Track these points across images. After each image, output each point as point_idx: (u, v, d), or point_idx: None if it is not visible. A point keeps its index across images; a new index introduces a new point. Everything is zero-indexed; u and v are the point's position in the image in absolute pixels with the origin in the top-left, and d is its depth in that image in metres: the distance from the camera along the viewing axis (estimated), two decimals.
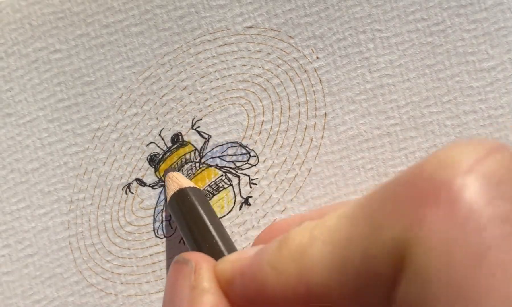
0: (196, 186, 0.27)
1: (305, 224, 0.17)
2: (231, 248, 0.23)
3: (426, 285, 0.13)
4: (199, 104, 0.28)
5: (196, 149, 0.28)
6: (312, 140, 0.28)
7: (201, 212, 0.25)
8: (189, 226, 0.25)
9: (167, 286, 0.19)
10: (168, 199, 0.27)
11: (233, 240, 0.28)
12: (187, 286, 0.18)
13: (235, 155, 0.28)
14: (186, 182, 0.27)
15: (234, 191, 0.28)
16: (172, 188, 0.26)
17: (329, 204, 0.28)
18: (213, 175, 0.28)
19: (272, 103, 0.28)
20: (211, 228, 0.24)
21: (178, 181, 0.27)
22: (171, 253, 0.28)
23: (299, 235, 0.16)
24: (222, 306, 0.18)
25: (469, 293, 0.12)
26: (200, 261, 0.19)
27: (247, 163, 0.28)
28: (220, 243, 0.23)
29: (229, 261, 0.18)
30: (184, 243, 0.28)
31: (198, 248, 0.24)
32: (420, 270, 0.13)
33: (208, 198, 0.28)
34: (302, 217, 0.21)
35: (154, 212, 0.28)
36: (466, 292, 0.12)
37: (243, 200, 0.28)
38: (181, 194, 0.26)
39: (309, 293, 0.15)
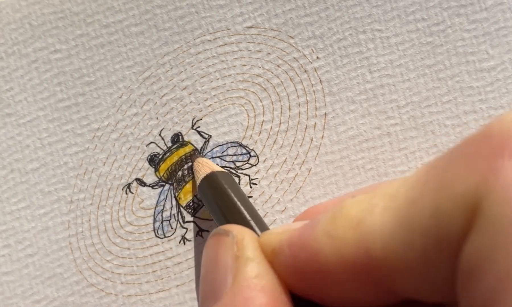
0: (223, 170, 0.27)
1: (359, 196, 0.16)
2: (265, 228, 0.22)
3: (500, 233, 0.12)
4: (199, 104, 0.28)
5: (196, 149, 0.28)
6: (312, 140, 0.28)
7: (232, 195, 0.24)
8: (221, 209, 0.24)
9: (206, 259, 0.19)
10: (197, 183, 0.26)
11: None
12: (230, 256, 0.18)
13: (235, 155, 0.28)
14: (214, 167, 0.26)
15: None
16: (202, 173, 0.26)
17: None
18: None
19: (272, 103, 0.28)
20: (244, 210, 0.23)
21: (207, 165, 0.26)
22: (171, 253, 0.28)
23: (355, 204, 0.16)
24: (268, 275, 0.17)
25: None
26: (242, 232, 0.18)
27: (247, 163, 0.28)
28: (253, 224, 0.22)
29: (275, 233, 0.18)
30: (184, 243, 0.28)
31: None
32: (494, 219, 0.13)
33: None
34: (345, 198, 0.20)
35: (154, 212, 0.28)
36: None
37: None
38: (211, 178, 0.25)
39: (369, 259, 0.15)
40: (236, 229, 0.19)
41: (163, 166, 0.28)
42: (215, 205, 0.24)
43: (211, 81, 0.28)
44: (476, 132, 0.14)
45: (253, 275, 0.17)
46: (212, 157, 0.28)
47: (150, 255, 0.28)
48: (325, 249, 0.16)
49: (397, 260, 0.14)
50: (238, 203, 0.24)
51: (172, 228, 0.28)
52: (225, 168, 0.28)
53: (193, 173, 0.28)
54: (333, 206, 0.17)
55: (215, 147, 0.28)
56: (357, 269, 0.15)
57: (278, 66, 0.28)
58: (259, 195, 0.28)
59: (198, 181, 0.26)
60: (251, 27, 0.28)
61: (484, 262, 0.13)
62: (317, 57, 0.28)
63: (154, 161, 0.28)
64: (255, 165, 0.28)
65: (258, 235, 0.19)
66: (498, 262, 0.12)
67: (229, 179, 0.25)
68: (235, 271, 0.17)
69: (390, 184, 0.16)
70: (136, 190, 0.28)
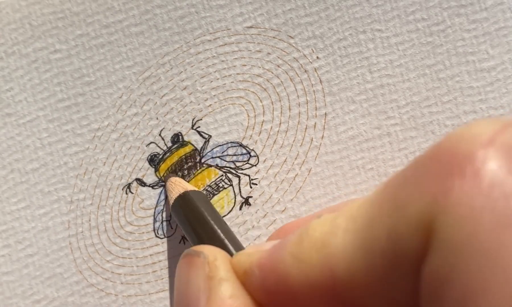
0: (197, 189, 0.27)
1: (324, 216, 0.17)
2: (240, 248, 0.23)
3: (456, 253, 0.13)
4: (199, 104, 0.28)
5: (196, 149, 0.28)
6: (312, 140, 0.28)
7: (205, 214, 0.24)
8: (195, 229, 0.24)
9: (178, 281, 0.19)
10: (171, 204, 0.27)
11: None
12: (201, 277, 0.18)
13: (235, 155, 0.28)
14: (187, 186, 0.27)
15: (234, 191, 0.28)
16: (174, 193, 0.26)
17: (332, 204, 0.28)
18: (213, 175, 0.28)
19: (272, 103, 0.28)
20: (217, 230, 0.24)
21: (180, 185, 0.27)
22: (171, 253, 0.28)
23: (319, 226, 0.16)
24: (242, 296, 0.17)
25: (499, 256, 0.12)
26: (214, 252, 0.19)
27: (247, 163, 0.28)
28: (228, 243, 0.23)
29: (246, 254, 0.18)
30: (184, 243, 0.28)
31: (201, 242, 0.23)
32: (449, 239, 0.13)
33: (208, 198, 0.28)
34: (312, 217, 0.21)
35: (154, 212, 0.28)
36: (495, 255, 0.12)
37: (243, 200, 0.28)
38: (184, 198, 0.26)
39: (334, 282, 0.15)
40: (207, 249, 0.19)
41: (163, 166, 0.28)
42: (188, 225, 0.25)
43: (211, 81, 0.28)
44: (426, 151, 0.14)
45: (227, 295, 0.17)
46: (212, 157, 0.28)
47: (150, 255, 0.28)
48: (292, 271, 0.16)
49: (360, 282, 0.15)
50: (212, 222, 0.24)
51: (172, 228, 0.28)
52: (225, 168, 0.28)
53: (165, 194, 0.28)
54: (304, 223, 0.18)
55: (215, 147, 0.28)
56: (323, 291, 0.15)
57: (278, 66, 0.28)
58: (259, 195, 0.28)
59: (171, 201, 0.27)
60: (251, 27, 0.28)
61: (443, 284, 0.13)
62: (317, 57, 0.28)
63: (154, 161, 0.28)
64: (255, 165, 0.28)
65: (232, 255, 0.19)
66: (455, 284, 0.13)
67: (203, 198, 0.26)
68: (208, 292, 0.17)
69: (353, 204, 0.16)
70: (136, 190, 0.28)
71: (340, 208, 0.17)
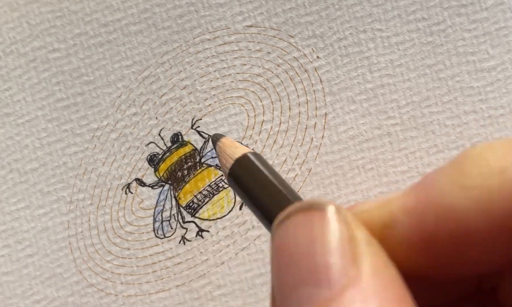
0: (253, 151, 0.24)
1: (493, 142, 0.14)
2: None
3: None
4: (199, 104, 0.28)
5: (196, 149, 0.28)
6: (312, 140, 0.28)
7: (270, 177, 0.21)
8: (259, 195, 0.21)
9: (293, 240, 0.15)
10: (228, 170, 0.23)
11: (233, 240, 0.28)
12: (334, 238, 0.14)
13: None
14: (243, 148, 0.23)
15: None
16: (230, 156, 0.23)
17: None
18: (213, 175, 0.28)
19: (272, 102, 0.28)
20: (286, 194, 0.19)
21: (235, 146, 0.23)
22: (171, 253, 0.28)
23: (491, 151, 0.14)
24: (386, 257, 0.14)
25: None
26: (340, 207, 0.15)
27: None
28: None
29: (376, 206, 0.15)
30: (184, 243, 0.28)
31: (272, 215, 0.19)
32: None
33: (208, 198, 0.28)
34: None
35: (154, 212, 0.28)
36: None
37: None
38: (244, 161, 0.22)
39: None
40: (331, 203, 0.15)
41: (163, 166, 0.28)
42: (251, 192, 0.21)
43: (211, 81, 0.28)
44: None
45: (383, 263, 0.14)
46: (212, 157, 0.28)
47: (150, 255, 0.28)
48: (463, 203, 0.14)
49: None
50: (279, 186, 0.20)
51: (172, 228, 0.28)
52: None
53: (218, 157, 0.24)
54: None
55: None
56: (508, 223, 0.13)
57: (278, 65, 0.28)
58: None
59: (227, 166, 0.23)
60: (251, 26, 0.28)
61: None
62: (317, 57, 0.28)
63: (153, 161, 0.28)
64: None
65: None
66: None
67: (262, 160, 0.22)
68: (352, 256, 0.14)
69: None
70: (136, 190, 0.28)
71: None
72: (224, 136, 0.23)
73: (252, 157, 0.20)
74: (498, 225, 0.13)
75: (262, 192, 0.20)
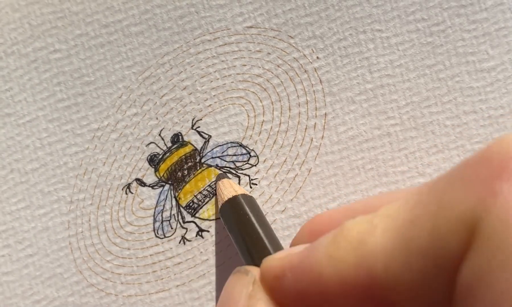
0: (247, 193, 0.27)
1: (359, 217, 0.17)
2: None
3: (497, 253, 0.13)
4: (199, 104, 0.28)
5: (196, 149, 0.28)
6: (312, 140, 0.28)
7: (253, 220, 0.25)
8: (241, 233, 0.25)
9: (225, 290, 0.20)
10: (219, 206, 0.27)
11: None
12: (244, 294, 0.19)
13: (235, 155, 0.28)
14: (238, 189, 0.27)
15: None
16: (225, 195, 0.26)
17: (332, 204, 0.28)
18: (213, 175, 0.28)
19: (272, 103, 0.28)
20: (263, 237, 0.24)
21: (232, 187, 0.27)
22: (171, 253, 0.28)
23: (356, 225, 0.16)
24: None
25: None
26: (256, 274, 0.19)
27: (247, 163, 0.28)
28: (270, 249, 0.23)
29: (276, 258, 0.18)
30: (184, 243, 0.28)
31: (250, 254, 0.24)
32: (491, 240, 0.13)
33: (208, 198, 0.28)
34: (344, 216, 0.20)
35: (154, 212, 0.28)
36: None
37: None
38: (234, 201, 0.26)
39: (371, 281, 0.15)
40: (256, 270, 0.19)
41: (163, 166, 0.28)
42: (236, 228, 0.25)
43: (211, 81, 0.28)
44: (474, 154, 0.15)
45: None
46: (212, 157, 0.28)
47: (150, 255, 0.28)
48: (327, 271, 0.16)
49: (397, 281, 0.15)
50: (259, 229, 0.24)
51: (172, 228, 0.28)
52: (225, 168, 0.28)
53: (215, 193, 0.28)
54: (336, 220, 0.17)
55: (215, 147, 0.28)
56: (358, 291, 0.15)
57: (278, 66, 0.28)
58: (259, 195, 0.28)
59: (220, 203, 0.27)
60: (251, 27, 0.28)
61: (481, 282, 0.13)
62: (317, 57, 0.28)
63: (154, 161, 0.28)
64: (255, 165, 0.28)
65: None
66: (494, 283, 0.13)
67: (252, 203, 0.26)
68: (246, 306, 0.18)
69: (391, 205, 0.16)
70: (136, 190, 0.28)
71: (375, 210, 0.17)
72: (228, 177, 0.26)
73: (241, 199, 0.24)
74: (353, 292, 0.16)
75: (245, 232, 0.24)
